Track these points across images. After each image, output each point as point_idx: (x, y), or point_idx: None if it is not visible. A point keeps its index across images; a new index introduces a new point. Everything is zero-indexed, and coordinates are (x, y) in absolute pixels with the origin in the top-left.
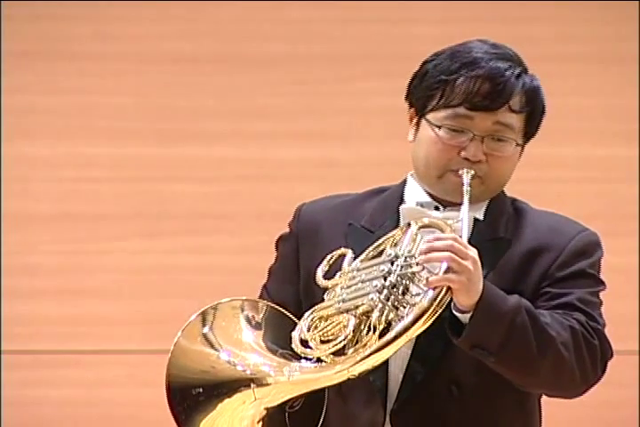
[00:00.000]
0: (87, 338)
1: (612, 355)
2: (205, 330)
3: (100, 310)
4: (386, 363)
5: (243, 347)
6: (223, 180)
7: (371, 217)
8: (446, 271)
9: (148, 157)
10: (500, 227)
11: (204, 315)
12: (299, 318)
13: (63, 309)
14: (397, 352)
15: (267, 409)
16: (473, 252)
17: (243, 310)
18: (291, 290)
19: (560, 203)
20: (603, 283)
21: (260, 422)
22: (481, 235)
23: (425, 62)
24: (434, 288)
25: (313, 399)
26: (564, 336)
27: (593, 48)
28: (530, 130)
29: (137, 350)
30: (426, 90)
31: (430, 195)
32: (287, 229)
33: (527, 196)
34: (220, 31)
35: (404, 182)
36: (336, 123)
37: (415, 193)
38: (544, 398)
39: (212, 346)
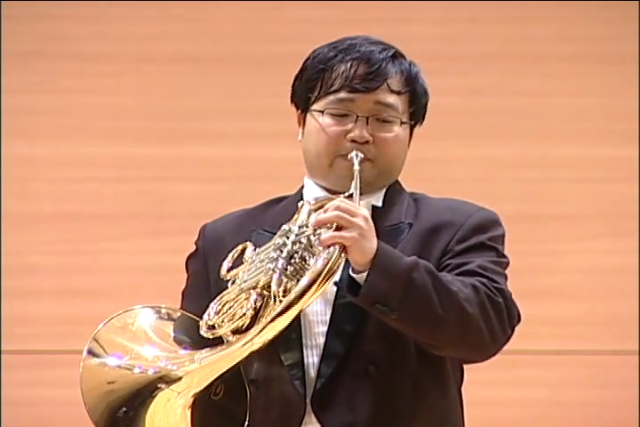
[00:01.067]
0: (87, 338)
1: (519, 317)
2: (89, 346)
3: (100, 310)
4: (300, 351)
5: (142, 344)
6: (223, 180)
7: (273, 221)
8: (337, 230)
9: (148, 157)
10: (401, 213)
11: (95, 334)
12: None
13: (63, 309)
14: (313, 338)
15: (194, 396)
16: (363, 211)
17: (154, 314)
18: (205, 304)
19: (560, 203)
20: (505, 256)
21: (191, 409)
22: (381, 221)
23: (304, 62)
24: (328, 249)
25: (236, 391)
26: (466, 292)
27: (593, 48)
28: (415, 111)
29: None
30: (307, 82)
31: (326, 190)
32: (194, 249)
33: (527, 196)
34: (220, 31)
35: (302, 187)
36: None
37: (312, 191)
38: (544, 398)
39: (98, 356)
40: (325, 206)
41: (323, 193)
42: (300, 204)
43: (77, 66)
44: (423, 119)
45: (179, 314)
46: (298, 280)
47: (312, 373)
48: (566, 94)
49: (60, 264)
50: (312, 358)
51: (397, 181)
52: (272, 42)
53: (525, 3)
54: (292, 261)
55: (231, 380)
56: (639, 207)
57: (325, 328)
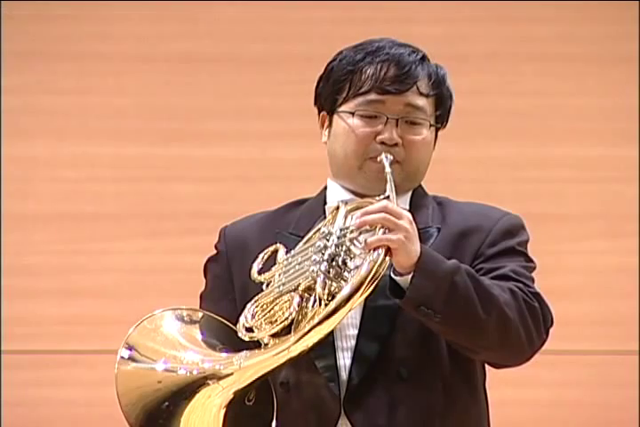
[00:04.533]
0: (87, 338)
1: (552, 320)
2: (125, 353)
3: (100, 310)
4: (334, 354)
5: (177, 348)
6: (223, 180)
7: (297, 224)
8: (383, 232)
9: (148, 157)
10: (428, 217)
11: (127, 340)
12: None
13: (63, 309)
14: (344, 341)
15: (234, 395)
16: (407, 213)
17: (170, 318)
18: (228, 307)
19: (560, 203)
20: (532, 261)
21: (225, 409)
22: None
23: (328, 64)
24: (373, 252)
25: (264, 394)
26: (506, 297)
27: (593, 48)
28: (440, 113)
29: None
30: (334, 84)
31: (352, 192)
32: (214, 252)
33: (527, 196)
34: (220, 31)
35: (325, 189)
36: None
37: (337, 194)
38: (544, 398)
39: (140, 362)
40: (369, 208)
41: (348, 196)
42: (334, 204)
43: (77, 66)
44: (447, 122)
45: (200, 315)
46: (340, 283)
47: (344, 375)
48: (566, 94)
49: (60, 264)
50: (344, 361)
51: (420, 185)
52: (272, 42)
53: (525, 3)
54: (334, 263)
55: (260, 384)
56: (639, 207)
57: (356, 331)
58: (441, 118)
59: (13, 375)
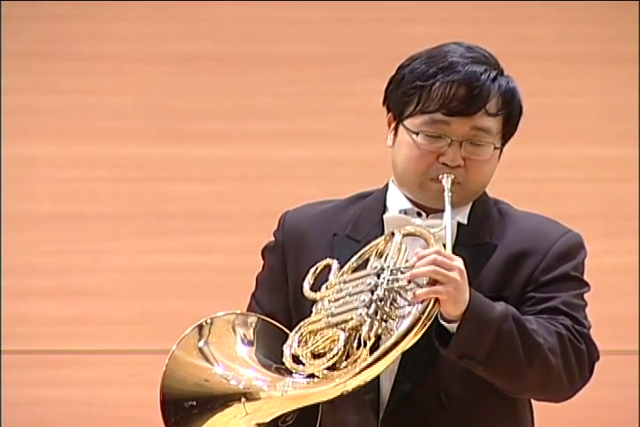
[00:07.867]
0: (87, 338)
1: (598, 357)
2: (201, 344)
3: (100, 310)
4: (377, 375)
5: (237, 361)
6: (223, 180)
7: (355, 226)
8: (433, 284)
9: (148, 157)
10: (485, 231)
11: (199, 328)
12: (289, 328)
13: (63, 309)
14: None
15: (258, 425)
16: (458, 262)
17: (235, 325)
18: (280, 301)
19: (560, 203)
20: (587, 284)
21: None
22: (465, 240)
23: (401, 67)
24: (421, 301)
25: (307, 412)
26: (551, 342)
27: (593, 48)
28: (508, 131)
29: (137, 350)
30: (402, 96)
31: (412, 201)
32: (272, 239)
33: (528, 196)
34: (220, 31)
35: (386, 188)
36: (336, 123)
37: (397, 200)
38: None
39: (207, 360)
40: (420, 255)
41: (408, 205)
42: (392, 214)
43: (77, 66)
44: (514, 132)
45: (256, 325)
46: (387, 324)
47: (384, 400)
48: (566, 94)
49: (60, 264)
50: (387, 383)
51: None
52: (272, 42)
53: (525, 3)
54: (382, 303)
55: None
56: (639, 207)
57: (401, 353)
58: (507, 135)
59: (13, 375)
